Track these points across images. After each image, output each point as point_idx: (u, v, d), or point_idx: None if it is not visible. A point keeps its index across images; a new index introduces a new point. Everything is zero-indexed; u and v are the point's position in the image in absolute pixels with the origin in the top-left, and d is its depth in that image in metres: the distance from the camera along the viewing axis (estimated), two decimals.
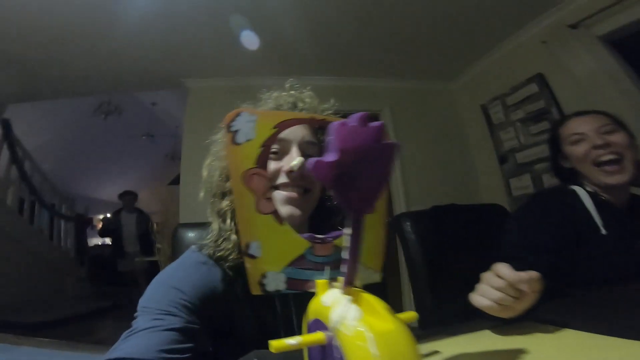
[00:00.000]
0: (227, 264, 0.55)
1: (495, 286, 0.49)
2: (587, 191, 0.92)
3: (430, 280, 1.16)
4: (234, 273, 0.55)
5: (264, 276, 0.40)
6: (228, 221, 0.57)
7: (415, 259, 1.19)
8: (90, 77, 2.84)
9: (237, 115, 0.42)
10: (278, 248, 0.41)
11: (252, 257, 0.40)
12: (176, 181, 8.60)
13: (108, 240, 8.52)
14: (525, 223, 0.90)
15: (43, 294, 3.65)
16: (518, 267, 0.50)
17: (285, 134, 0.53)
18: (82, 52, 2.42)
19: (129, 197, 4.63)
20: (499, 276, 0.48)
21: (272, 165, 0.56)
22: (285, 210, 0.54)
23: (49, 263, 3.91)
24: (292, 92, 0.63)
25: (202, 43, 2.40)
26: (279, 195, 0.55)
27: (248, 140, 0.42)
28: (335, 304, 0.32)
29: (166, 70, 2.73)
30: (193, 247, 0.60)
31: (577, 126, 0.95)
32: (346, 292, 0.35)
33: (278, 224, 0.42)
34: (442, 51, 2.66)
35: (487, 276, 0.50)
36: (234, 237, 0.55)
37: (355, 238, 0.34)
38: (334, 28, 2.30)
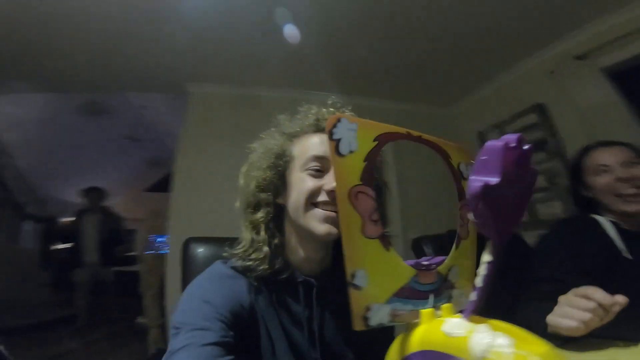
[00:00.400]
0: (255, 274, 0.57)
1: (585, 308, 0.50)
2: (609, 220, 0.95)
3: None
4: (259, 284, 0.57)
5: (368, 309, 0.37)
6: (262, 232, 0.58)
7: None
8: (82, 74, 2.68)
9: (338, 121, 0.39)
10: (384, 277, 0.38)
11: (357, 287, 0.37)
12: (155, 188, 8.29)
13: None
14: (560, 247, 0.92)
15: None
16: (559, 288, 0.54)
17: (321, 150, 0.57)
18: (77, 47, 2.29)
19: (93, 195, 3.88)
20: (587, 298, 0.50)
21: (310, 182, 0.56)
22: (323, 228, 0.54)
23: (12, 265, 3.58)
24: (332, 109, 0.63)
25: (210, 48, 2.33)
26: (318, 213, 0.55)
27: (351, 152, 0.39)
28: (473, 333, 0.30)
29: (169, 73, 2.63)
30: (219, 261, 0.61)
31: (602, 158, 0.98)
32: (472, 320, 0.33)
33: (385, 249, 0.39)
34: (445, 77, 2.72)
35: (571, 298, 0.52)
36: (265, 248, 0.57)
37: (495, 264, 0.32)
38: (345, 46, 2.31)
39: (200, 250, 0.89)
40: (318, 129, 0.61)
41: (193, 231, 2.33)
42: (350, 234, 0.37)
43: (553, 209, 2.43)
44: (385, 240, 0.39)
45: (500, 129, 2.75)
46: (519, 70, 2.56)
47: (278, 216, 0.61)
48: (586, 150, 1.06)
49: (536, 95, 2.41)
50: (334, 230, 0.54)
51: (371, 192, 0.39)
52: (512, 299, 0.85)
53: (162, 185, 2.55)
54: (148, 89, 3.13)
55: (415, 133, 0.49)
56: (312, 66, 2.51)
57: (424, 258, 0.44)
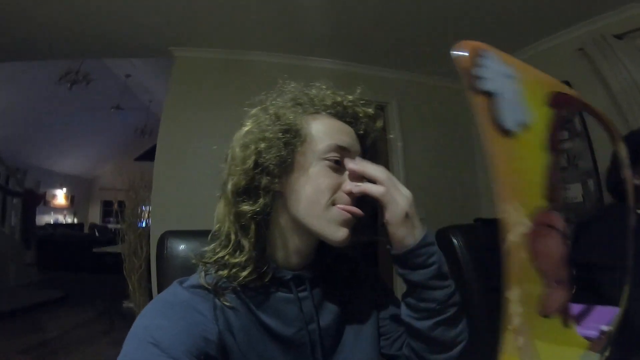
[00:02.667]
0: (229, 288, 0.46)
1: None
2: None
3: (488, 309, 0.97)
4: (232, 300, 0.46)
5: None
6: (251, 230, 0.46)
7: (470, 282, 0.99)
8: (60, 39, 2.41)
9: (478, 55, 0.17)
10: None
11: None
12: (144, 157, 8.29)
13: (61, 218, 7.86)
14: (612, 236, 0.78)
15: None
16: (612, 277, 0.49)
17: (349, 144, 0.49)
18: (54, 9, 2.02)
19: None
20: None
21: (331, 177, 0.47)
22: (341, 234, 0.46)
23: None
24: (363, 108, 0.54)
25: (197, 9, 2.06)
26: (338, 214, 0.46)
27: (523, 127, 0.17)
28: None
29: (153, 36, 2.37)
30: (175, 281, 0.47)
31: None
32: None
33: (564, 326, 0.24)
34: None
35: None
36: (250, 250, 0.45)
37: None
38: (351, 9, 2.06)
39: (181, 247, 0.73)
40: (337, 113, 0.51)
41: (177, 204, 2.22)
42: (519, 314, 0.21)
43: (570, 191, 2.28)
44: (567, 312, 0.24)
45: None
46: (543, 46, 2.40)
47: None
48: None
49: (561, 73, 2.24)
50: (347, 234, 0.46)
51: (563, 225, 0.21)
52: None
53: (153, 154, 2.34)
54: (131, 53, 2.86)
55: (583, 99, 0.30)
56: (309, 29, 2.25)
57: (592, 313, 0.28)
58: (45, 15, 2.09)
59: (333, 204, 0.46)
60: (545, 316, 0.22)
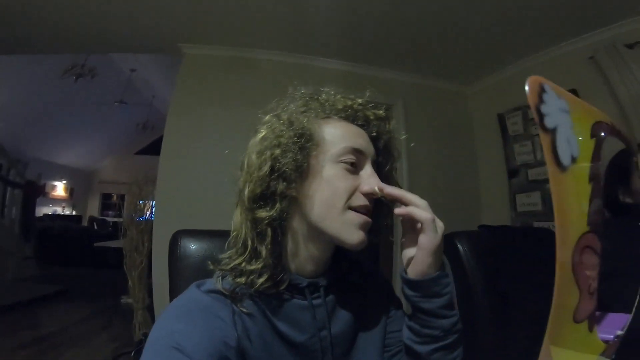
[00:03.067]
0: (247, 293, 0.46)
1: None
2: None
3: (492, 314, 0.97)
4: (250, 307, 0.46)
5: None
6: (268, 236, 0.46)
7: (475, 287, 1.00)
8: (68, 34, 2.40)
9: (542, 90, 0.18)
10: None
11: None
12: (145, 151, 8.26)
13: (59, 210, 7.87)
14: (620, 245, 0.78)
15: None
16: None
17: (364, 146, 0.49)
18: (62, 3, 2.01)
19: None
20: None
21: (347, 180, 0.47)
22: (358, 236, 0.46)
23: None
24: (375, 111, 0.55)
25: (206, 6, 2.06)
26: (353, 217, 0.46)
27: (573, 161, 0.18)
28: None
29: (162, 33, 2.37)
30: (193, 284, 0.48)
31: None
32: None
33: (589, 331, 0.26)
34: (468, 53, 2.51)
35: None
36: (267, 257, 0.45)
37: None
38: (359, 10, 2.06)
39: (193, 246, 0.71)
40: (348, 117, 0.52)
41: (181, 199, 2.23)
42: (559, 320, 0.23)
43: None
44: (593, 317, 0.27)
45: (522, 112, 2.57)
46: (554, 53, 2.39)
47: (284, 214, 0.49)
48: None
49: (570, 81, 2.24)
50: (365, 239, 0.47)
51: (599, 245, 0.25)
52: None
53: (154, 148, 2.34)
54: (140, 49, 2.85)
55: (615, 123, 0.32)
56: (317, 29, 2.25)
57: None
58: (54, 10, 2.08)
59: (349, 207, 0.47)
60: (577, 322, 0.25)
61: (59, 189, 7.81)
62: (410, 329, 0.49)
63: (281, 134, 0.47)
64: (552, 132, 0.20)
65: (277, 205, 0.46)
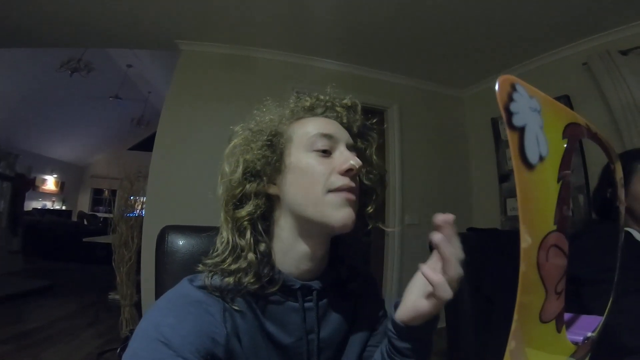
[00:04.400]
0: (234, 293, 0.46)
1: None
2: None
3: (478, 317, 0.98)
4: (240, 304, 0.46)
5: None
6: (247, 234, 0.47)
7: (461, 290, 1.00)
8: (70, 28, 2.38)
9: (512, 88, 0.19)
10: None
11: None
12: (138, 147, 8.19)
13: (49, 204, 7.74)
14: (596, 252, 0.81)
15: None
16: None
17: (333, 131, 0.50)
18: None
19: None
20: None
21: (322, 164, 0.48)
22: (342, 214, 0.46)
23: None
24: (344, 101, 0.56)
25: (205, 3, 2.05)
26: (335, 197, 0.46)
27: (541, 160, 0.18)
28: None
29: (159, 29, 2.36)
30: (185, 278, 0.48)
31: None
32: None
33: (557, 332, 0.26)
34: (463, 58, 2.54)
35: None
36: (251, 255, 0.47)
37: None
38: (359, 12, 2.07)
39: (181, 242, 0.71)
40: (317, 113, 0.54)
41: (173, 196, 2.21)
42: (524, 319, 0.23)
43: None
44: (561, 318, 0.27)
45: None
46: (547, 59, 2.43)
47: (266, 212, 0.50)
48: (634, 154, 0.93)
49: (562, 87, 2.28)
50: (353, 216, 0.47)
51: (566, 245, 0.24)
52: None
53: (148, 144, 2.33)
54: (137, 45, 2.84)
55: (592, 126, 0.32)
56: (317, 29, 2.26)
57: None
58: (51, 3, 2.06)
59: (329, 190, 0.46)
60: (543, 322, 0.24)
61: (50, 183, 7.69)
62: (382, 354, 0.49)
63: (252, 138, 0.50)
64: (521, 130, 0.20)
65: (252, 202, 0.48)
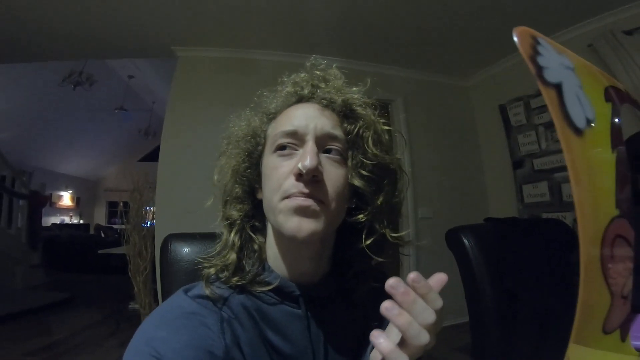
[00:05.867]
0: (234, 302, 0.44)
1: None
2: None
3: (500, 309, 0.94)
4: (239, 311, 0.44)
5: None
6: (232, 233, 0.47)
7: (482, 282, 0.96)
8: (64, 40, 2.42)
9: (535, 41, 0.16)
10: None
11: None
12: (148, 158, 8.31)
13: (67, 219, 7.93)
14: None
15: None
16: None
17: (298, 124, 0.43)
18: (57, 9, 2.02)
19: None
20: None
21: (282, 167, 0.43)
22: (291, 224, 0.40)
23: None
24: (317, 72, 0.49)
25: (199, 7, 2.04)
26: (286, 203, 0.41)
27: (589, 125, 0.15)
28: None
29: (155, 36, 2.37)
30: (180, 289, 0.45)
31: None
32: None
33: (621, 341, 0.21)
34: (466, 45, 2.48)
35: None
36: (233, 255, 0.46)
37: None
38: (356, 6, 2.04)
39: (185, 250, 0.71)
40: (299, 98, 0.48)
41: (181, 204, 2.21)
42: (586, 330, 0.18)
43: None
44: (627, 325, 0.22)
45: (523, 102, 2.53)
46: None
47: (258, 215, 0.49)
48: None
49: None
50: (309, 226, 0.40)
51: (632, 234, 0.18)
52: None
53: (156, 155, 2.35)
54: (134, 54, 2.86)
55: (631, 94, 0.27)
56: (313, 27, 2.24)
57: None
58: (49, 17, 2.09)
59: (283, 197, 0.41)
60: (607, 333, 0.20)
61: (65, 198, 7.88)
62: None
63: (232, 146, 0.50)
64: (557, 88, 0.16)
65: (236, 206, 0.48)
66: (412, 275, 0.32)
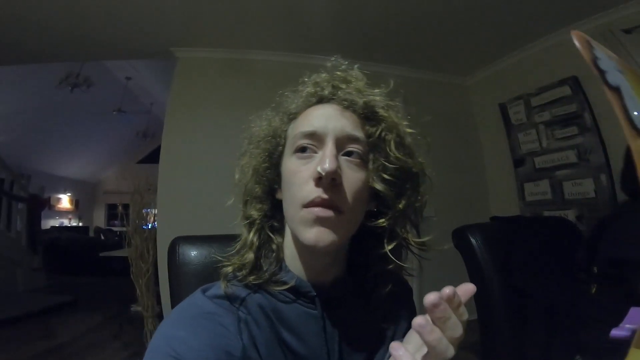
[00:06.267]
0: (251, 302, 0.44)
1: None
2: None
3: (508, 307, 0.95)
4: (255, 311, 0.43)
5: None
6: (251, 233, 0.47)
7: (490, 281, 0.97)
8: (61, 42, 2.41)
9: (590, 45, 0.16)
10: None
11: None
12: (147, 160, 8.29)
13: (66, 222, 7.90)
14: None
15: None
16: None
17: (317, 125, 0.42)
18: (54, 11, 2.00)
19: None
20: None
21: (296, 174, 0.42)
22: (309, 235, 0.40)
23: None
24: (338, 73, 0.48)
25: (198, 8, 2.04)
26: (305, 214, 0.40)
27: None
28: None
29: (154, 37, 2.36)
30: (199, 289, 0.46)
31: None
32: None
33: None
34: (465, 44, 2.49)
35: None
36: (250, 254, 0.46)
37: None
38: (356, 6, 2.04)
39: (193, 253, 0.70)
40: (319, 99, 0.47)
41: (182, 206, 2.21)
42: None
43: (582, 187, 2.25)
44: None
45: (523, 100, 2.55)
46: (551, 40, 2.37)
47: (277, 215, 0.49)
48: None
49: (569, 68, 2.22)
50: (328, 237, 0.40)
51: None
52: None
53: (156, 156, 2.35)
54: (132, 55, 2.84)
55: None
56: (312, 27, 2.24)
57: None
58: (45, 18, 2.08)
59: (303, 205, 0.41)
60: None
61: (64, 201, 7.84)
62: None
63: (253, 145, 0.50)
64: (618, 91, 0.17)
65: (256, 205, 0.48)
66: (448, 291, 0.31)
